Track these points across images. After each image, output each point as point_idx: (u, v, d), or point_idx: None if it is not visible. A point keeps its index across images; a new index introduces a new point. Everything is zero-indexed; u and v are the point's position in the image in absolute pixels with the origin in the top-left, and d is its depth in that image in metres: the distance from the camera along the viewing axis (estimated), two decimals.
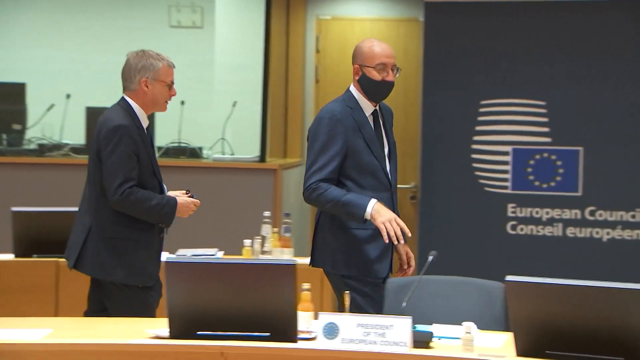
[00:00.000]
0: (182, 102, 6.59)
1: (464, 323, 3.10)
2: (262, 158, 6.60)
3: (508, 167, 5.83)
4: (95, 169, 3.94)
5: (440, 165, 5.91)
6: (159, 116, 6.40)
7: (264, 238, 4.75)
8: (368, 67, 3.85)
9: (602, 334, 2.90)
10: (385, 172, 3.90)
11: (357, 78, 3.88)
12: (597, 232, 5.73)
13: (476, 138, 5.88)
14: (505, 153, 5.82)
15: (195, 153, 6.77)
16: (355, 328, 3.07)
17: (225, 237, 6.02)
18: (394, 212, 3.80)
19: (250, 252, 4.74)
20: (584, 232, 5.74)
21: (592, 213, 5.73)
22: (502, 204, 5.81)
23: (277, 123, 6.98)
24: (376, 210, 3.70)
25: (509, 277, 3.05)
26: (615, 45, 5.68)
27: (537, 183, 5.80)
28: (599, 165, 5.71)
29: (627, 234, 5.68)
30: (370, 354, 3.04)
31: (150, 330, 3.21)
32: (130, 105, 4.00)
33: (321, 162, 3.79)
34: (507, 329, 3.24)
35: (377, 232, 3.74)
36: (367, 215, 3.71)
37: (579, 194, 5.76)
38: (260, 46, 6.70)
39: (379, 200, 3.77)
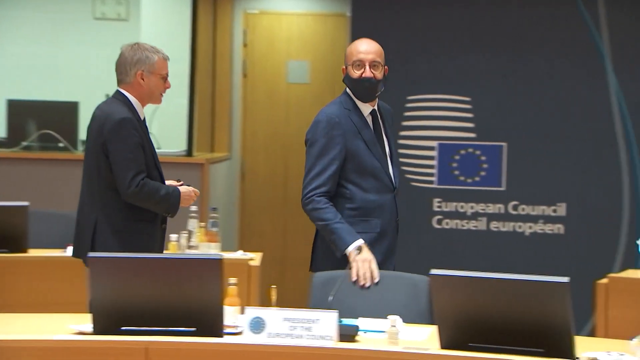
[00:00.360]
0: (107, 96, 6.49)
1: (389, 316, 3.12)
2: (189, 152, 6.56)
3: (434, 162, 5.89)
4: (99, 163, 3.94)
5: None
6: (83, 110, 6.31)
7: (190, 233, 4.73)
8: (348, 65, 3.83)
9: (523, 326, 2.95)
10: (388, 174, 3.85)
11: (343, 79, 3.88)
12: (520, 226, 5.82)
13: (402, 133, 5.92)
14: (431, 148, 5.89)
15: None
16: (281, 322, 3.07)
17: None
18: (396, 214, 3.85)
19: (176, 246, 4.71)
20: (507, 227, 5.83)
21: (515, 207, 5.82)
22: (427, 198, 5.87)
23: (204, 117, 6.94)
24: (358, 250, 3.65)
25: (433, 271, 3.09)
26: (538, 41, 5.77)
27: (462, 178, 5.87)
28: (522, 160, 5.80)
29: (548, 228, 5.79)
30: (296, 348, 3.04)
31: (74, 325, 3.16)
32: (127, 98, 4.03)
33: (320, 166, 3.78)
34: (432, 322, 3.28)
35: (379, 235, 3.80)
36: (347, 252, 3.68)
37: (503, 188, 5.85)
38: (187, 39, 6.65)
39: (383, 203, 3.80)
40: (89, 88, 6.61)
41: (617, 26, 5.66)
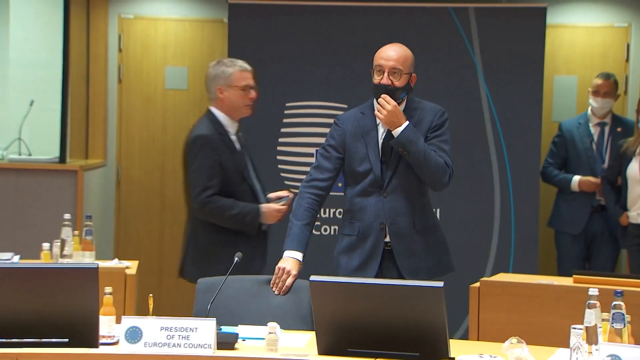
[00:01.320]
0: None
1: (268, 324, 3.12)
2: (62, 159, 6.40)
3: None
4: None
5: None
6: None
7: (63, 241, 4.61)
8: (372, 70, 3.92)
9: (400, 331, 2.99)
10: (378, 177, 3.89)
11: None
12: None
13: (282, 140, 5.93)
14: (310, 155, 5.91)
15: None
16: (158, 331, 3.03)
17: (23, 241, 5.80)
18: (383, 217, 3.85)
19: (49, 256, 4.58)
20: None
21: None
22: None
23: (78, 123, 6.79)
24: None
25: (312, 277, 3.10)
26: (415, 49, 5.87)
27: (340, 184, 5.91)
28: None
29: None
30: (174, 357, 3.01)
31: None
32: (214, 115, 4.23)
33: (317, 161, 3.99)
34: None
35: (358, 238, 3.89)
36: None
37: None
38: (59, 43, 6.48)
39: (366, 205, 3.89)
40: None
41: (486, 37, 5.82)
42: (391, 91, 3.85)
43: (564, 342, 3.09)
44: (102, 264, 4.47)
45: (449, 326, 2.98)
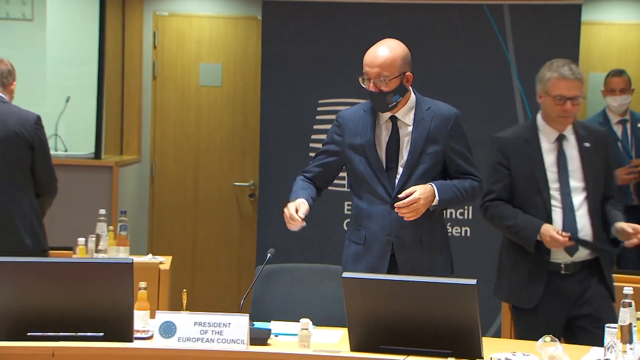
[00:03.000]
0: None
1: (301, 320, 3.13)
2: (97, 155, 6.46)
3: None
4: None
5: (279, 163, 5.93)
6: None
7: (98, 236, 4.66)
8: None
9: (433, 328, 2.99)
10: (383, 184, 3.64)
11: None
12: None
13: (314, 137, 5.94)
14: None
15: None
16: (192, 327, 3.06)
17: (58, 236, 5.86)
18: (388, 228, 3.62)
19: (84, 250, 4.63)
20: None
21: None
22: (339, 202, 5.89)
23: (113, 119, 6.84)
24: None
25: (345, 274, 3.11)
26: (449, 48, 5.86)
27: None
28: None
29: (455, 231, 5.88)
30: (208, 352, 3.03)
31: None
32: (534, 119, 3.91)
33: (313, 160, 3.81)
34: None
35: (364, 248, 3.67)
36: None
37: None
38: (95, 40, 6.54)
39: (371, 213, 3.64)
40: None
41: (521, 34, 5.79)
42: (379, 97, 3.62)
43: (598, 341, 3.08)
44: (137, 259, 4.51)
45: (481, 324, 2.98)
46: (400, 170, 3.64)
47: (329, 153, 3.78)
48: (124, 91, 6.90)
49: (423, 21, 5.85)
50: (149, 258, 4.78)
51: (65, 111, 6.70)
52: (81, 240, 4.64)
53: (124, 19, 6.89)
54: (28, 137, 4.51)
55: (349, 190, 4.01)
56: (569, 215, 3.76)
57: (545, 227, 3.71)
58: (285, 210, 3.55)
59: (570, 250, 3.75)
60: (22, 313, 3.03)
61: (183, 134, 6.97)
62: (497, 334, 5.25)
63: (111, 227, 4.73)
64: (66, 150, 6.63)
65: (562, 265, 3.77)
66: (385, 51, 3.63)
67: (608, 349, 2.93)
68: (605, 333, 2.94)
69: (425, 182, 3.61)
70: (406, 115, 3.68)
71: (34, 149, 4.52)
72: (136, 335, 3.12)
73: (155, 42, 6.94)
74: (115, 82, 6.84)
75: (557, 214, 3.77)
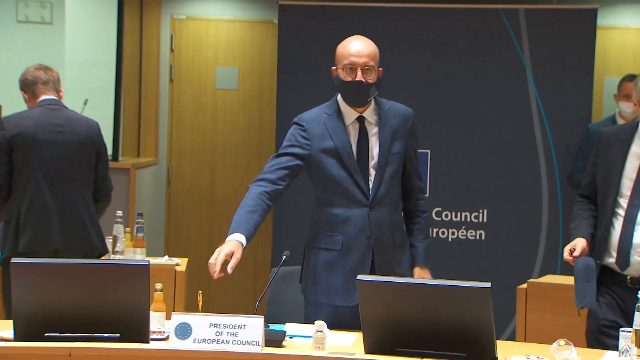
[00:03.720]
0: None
1: (315, 322, 3.15)
2: (114, 157, 6.50)
3: None
4: None
5: None
6: (5, 113, 6.19)
7: (115, 238, 4.69)
8: (338, 67, 3.59)
9: (447, 331, 3.00)
10: (360, 186, 3.57)
11: (333, 80, 3.62)
12: (443, 232, 5.91)
13: None
14: None
15: None
16: (207, 328, 3.08)
17: None
18: (369, 230, 3.55)
19: None
20: (431, 232, 5.90)
21: (438, 214, 5.90)
22: None
23: (130, 122, 6.89)
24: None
25: (359, 277, 3.13)
26: (463, 50, 5.87)
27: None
28: (445, 167, 5.88)
29: (470, 234, 5.88)
30: (223, 354, 3.05)
31: None
32: None
33: (270, 163, 3.60)
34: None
35: (341, 253, 3.57)
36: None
37: (426, 195, 5.91)
38: (112, 43, 6.59)
39: (349, 217, 3.55)
40: (11, 92, 6.50)
41: (536, 38, 5.79)
42: (365, 88, 3.55)
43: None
44: (153, 260, 4.54)
45: (496, 327, 2.99)
46: (372, 171, 3.60)
47: (294, 156, 3.57)
48: (142, 94, 6.94)
49: (439, 25, 5.85)
50: (165, 260, 4.81)
51: (82, 113, 6.74)
52: None
53: (142, 22, 6.93)
54: (96, 143, 4.66)
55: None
56: (628, 228, 3.48)
57: (575, 241, 3.51)
58: (213, 258, 3.30)
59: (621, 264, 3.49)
60: (40, 314, 3.06)
61: (199, 136, 7.01)
62: (512, 337, 5.25)
63: (128, 229, 4.76)
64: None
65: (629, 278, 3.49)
66: (368, 42, 3.62)
67: (623, 353, 2.93)
68: (620, 337, 2.94)
69: (396, 183, 3.61)
70: (371, 115, 3.64)
71: (99, 154, 4.65)
72: (152, 336, 3.14)
73: (172, 45, 6.98)
74: (132, 85, 6.89)
75: (617, 223, 3.50)
